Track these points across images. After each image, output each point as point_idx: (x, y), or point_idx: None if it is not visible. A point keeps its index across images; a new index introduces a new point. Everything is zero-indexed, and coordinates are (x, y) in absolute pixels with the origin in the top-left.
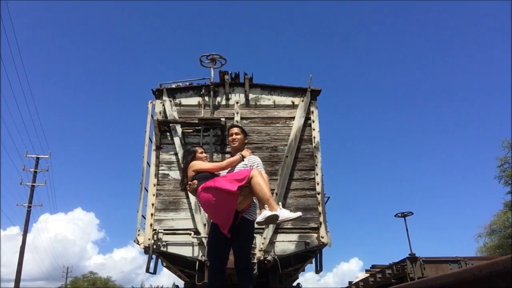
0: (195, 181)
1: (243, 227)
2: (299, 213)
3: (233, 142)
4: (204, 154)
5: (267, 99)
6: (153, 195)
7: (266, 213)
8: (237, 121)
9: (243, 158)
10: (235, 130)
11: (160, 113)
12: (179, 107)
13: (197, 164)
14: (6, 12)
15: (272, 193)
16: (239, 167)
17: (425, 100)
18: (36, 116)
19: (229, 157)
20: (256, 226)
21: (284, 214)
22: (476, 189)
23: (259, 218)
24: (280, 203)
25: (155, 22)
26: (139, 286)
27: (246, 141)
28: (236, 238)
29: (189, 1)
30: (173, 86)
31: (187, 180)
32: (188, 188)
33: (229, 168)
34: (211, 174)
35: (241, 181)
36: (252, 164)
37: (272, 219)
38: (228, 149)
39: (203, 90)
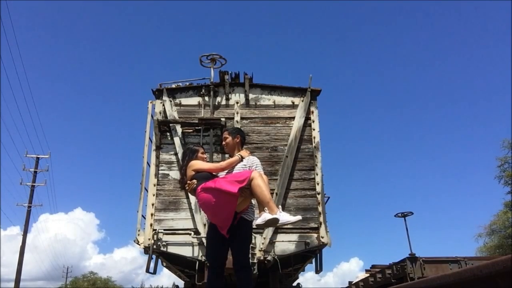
0: (194, 181)
1: (242, 228)
2: (299, 217)
3: (225, 147)
4: (205, 155)
5: (267, 99)
6: (153, 195)
7: (266, 216)
8: (237, 121)
9: (242, 158)
10: (224, 134)
11: (160, 113)
12: (179, 107)
13: (197, 164)
14: (6, 12)
15: (272, 193)
16: (238, 167)
17: (425, 100)
18: (36, 116)
19: (228, 158)
20: (254, 227)
21: (284, 217)
22: (476, 189)
23: (259, 220)
24: (280, 206)
25: (155, 22)
26: (139, 286)
27: (238, 140)
28: (234, 239)
29: (189, 1)
30: (173, 86)
31: (187, 179)
32: (187, 188)
33: (229, 169)
34: (210, 174)
35: (241, 183)
36: (251, 165)
37: (272, 222)
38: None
39: (203, 90)
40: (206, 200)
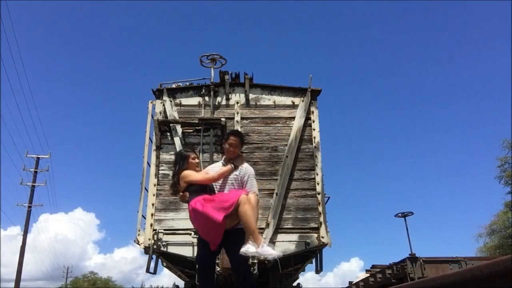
0: (187, 194)
1: (236, 235)
2: (279, 253)
3: (227, 153)
4: (197, 160)
5: (267, 99)
6: (153, 195)
7: (249, 249)
8: (237, 121)
9: (235, 168)
10: (234, 141)
11: (160, 113)
12: (179, 107)
13: (189, 176)
14: (6, 12)
15: (272, 193)
16: (230, 177)
17: (425, 99)
18: (36, 116)
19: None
20: None
21: (265, 251)
22: (476, 189)
23: (243, 249)
24: (264, 237)
25: (155, 22)
26: (139, 286)
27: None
28: (229, 245)
29: (189, 1)
30: (173, 86)
31: (180, 188)
32: (180, 199)
33: (221, 179)
34: (204, 186)
35: (227, 209)
36: (243, 176)
37: (254, 256)
38: None
39: (203, 90)
40: (196, 220)
